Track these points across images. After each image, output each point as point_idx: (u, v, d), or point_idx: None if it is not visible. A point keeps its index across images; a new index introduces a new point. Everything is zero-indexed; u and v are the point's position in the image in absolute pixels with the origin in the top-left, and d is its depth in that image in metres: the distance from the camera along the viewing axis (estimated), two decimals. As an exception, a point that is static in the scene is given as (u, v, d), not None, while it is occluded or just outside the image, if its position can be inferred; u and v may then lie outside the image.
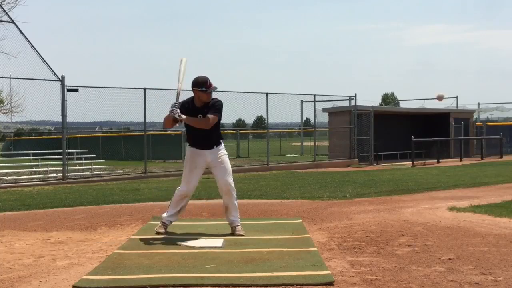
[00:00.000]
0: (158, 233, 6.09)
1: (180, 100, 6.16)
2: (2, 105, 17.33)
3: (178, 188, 6.37)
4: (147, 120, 16.47)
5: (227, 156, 6.35)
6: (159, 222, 6.31)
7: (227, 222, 6.31)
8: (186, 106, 6.12)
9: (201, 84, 6.05)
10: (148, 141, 17.18)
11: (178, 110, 5.96)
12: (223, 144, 6.37)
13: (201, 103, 6.12)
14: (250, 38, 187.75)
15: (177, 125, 6.24)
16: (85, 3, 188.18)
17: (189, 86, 6.21)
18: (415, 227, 6.48)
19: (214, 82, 6.11)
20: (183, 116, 5.96)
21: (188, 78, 6.30)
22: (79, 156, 19.64)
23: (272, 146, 23.54)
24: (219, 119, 6.19)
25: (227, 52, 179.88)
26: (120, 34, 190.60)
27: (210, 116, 6.03)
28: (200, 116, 6.08)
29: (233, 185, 6.28)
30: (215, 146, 6.23)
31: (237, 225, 6.23)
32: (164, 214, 6.31)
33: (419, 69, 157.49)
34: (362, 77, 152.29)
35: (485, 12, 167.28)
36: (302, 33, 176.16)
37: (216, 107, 6.14)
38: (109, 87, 16.16)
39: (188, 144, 6.35)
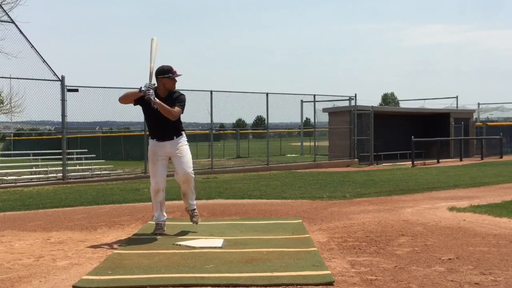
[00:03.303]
0: (157, 234, 6.10)
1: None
2: (2, 105, 17.31)
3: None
4: (147, 120, 16.44)
5: (188, 146, 6.40)
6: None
7: (185, 207, 6.49)
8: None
9: (167, 71, 6.15)
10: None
11: (153, 92, 5.93)
12: (184, 136, 6.41)
13: (165, 92, 6.15)
14: (250, 38, 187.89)
15: (133, 105, 6.18)
16: (85, 3, 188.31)
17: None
18: (415, 227, 6.48)
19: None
20: (157, 100, 5.94)
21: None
22: (79, 156, 19.65)
23: (272, 146, 23.55)
24: (182, 112, 6.27)
25: (227, 52, 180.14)
26: (120, 34, 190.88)
27: (176, 108, 6.08)
28: None
29: (192, 174, 6.32)
30: (175, 137, 6.27)
31: (194, 209, 6.42)
32: (154, 217, 6.38)
33: (419, 69, 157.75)
34: (362, 77, 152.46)
35: (484, 12, 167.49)
36: (302, 33, 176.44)
37: (182, 100, 6.21)
38: (109, 87, 16.11)
39: (150, 138, 6.36)
